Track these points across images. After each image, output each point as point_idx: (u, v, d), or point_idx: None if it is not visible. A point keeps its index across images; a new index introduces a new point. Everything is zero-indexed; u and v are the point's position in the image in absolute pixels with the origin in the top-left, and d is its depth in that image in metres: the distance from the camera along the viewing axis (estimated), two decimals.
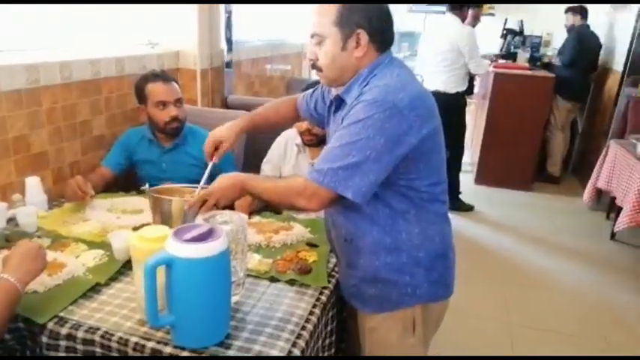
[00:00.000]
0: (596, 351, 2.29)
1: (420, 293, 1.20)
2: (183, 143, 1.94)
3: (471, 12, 3.83)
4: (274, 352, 1.04)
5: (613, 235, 3.49)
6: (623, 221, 2.71)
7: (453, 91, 3.66)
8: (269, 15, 3.72)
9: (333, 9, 1.11)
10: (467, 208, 3.89)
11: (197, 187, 1.31)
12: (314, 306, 1.23)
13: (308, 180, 1.09)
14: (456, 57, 3.59)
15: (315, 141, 1.88)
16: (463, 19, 3.63)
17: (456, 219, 3.74)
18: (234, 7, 2.75)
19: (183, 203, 1.30)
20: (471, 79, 3.88)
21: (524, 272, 3.03)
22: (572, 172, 4.95)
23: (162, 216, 1.36)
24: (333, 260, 1.44)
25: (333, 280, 1.35)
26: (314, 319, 1.18)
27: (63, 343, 1.10)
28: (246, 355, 1.03)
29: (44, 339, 1.11)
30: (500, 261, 3.17)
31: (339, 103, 1.22)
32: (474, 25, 3.94)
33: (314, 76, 1.34)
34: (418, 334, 1.24)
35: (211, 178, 1.64)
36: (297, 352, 1.06)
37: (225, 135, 1.39)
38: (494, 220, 3.81)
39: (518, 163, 4.30)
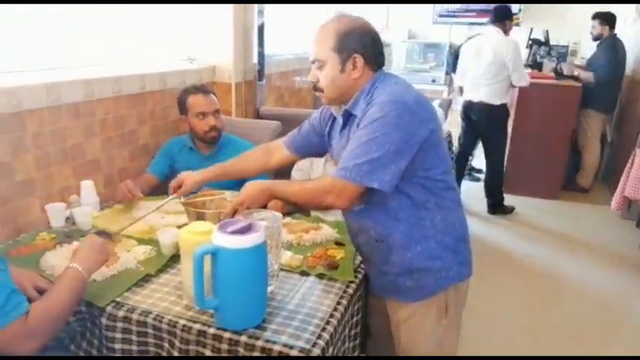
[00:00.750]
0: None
1: (452, 275, 1.33)
2: (221, 151, 2.09)
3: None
4: (306, 336, 1.16)
5: None
6: None
7: (497, 102, 3.76)
8: (298, 28, 3.90)
9: (331, 37, 1.26)
10: (510, 210, 4.03)
11: (225, 193, 1.49)
12: (341, 297, 1.34)
13: (335, 178, 1.22)
14: (500, 69, 3.68)
15: None
16: (505, 31, 3.71)
17: (488, 226, 3.80)
18: (266, 20, 2.92)
19: (218, 215, 1.42)
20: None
21: (550, 278, 3.06)
22: (602, 181, 4.93)
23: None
24: (360, 257, 1.56)
25: (360, 276, 1.47)
26: (341, 308, 1.30)
27: (120, 324, 1.25)
28: (279, 339, 1.15)
29: (104, 320, 1.26)
30: (527, 267, 3.21)
31: (346, 118, 1.35)
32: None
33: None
34: (450, 315, 1.37)
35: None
36: (326, 337, 1.17)
37: (187, 179, 1.60)
38: (521, 228, 3.84)
39: (546, 172, 4.32)
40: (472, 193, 4.38)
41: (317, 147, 1.56)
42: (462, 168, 4.20)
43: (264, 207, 1.40)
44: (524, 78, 3.76)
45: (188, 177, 1.60)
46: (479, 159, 4.79)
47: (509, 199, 4.25)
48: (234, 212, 1.32)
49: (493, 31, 3.72)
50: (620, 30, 4.73)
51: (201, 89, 2.07)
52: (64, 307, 1.09)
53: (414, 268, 1.32)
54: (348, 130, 1.34)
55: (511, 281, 3.02)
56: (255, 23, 2.77)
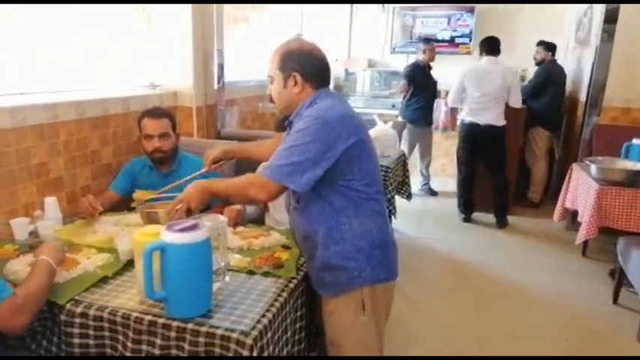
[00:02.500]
0: (557, 352, 2.50)
1: (365, 275, 1.47)
2: (178, 169, 2.24)
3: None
4: (246, 321, 1.30)
5: (584, 252, 3.73)
6: (581, 234, 2.97)
7: (500, 124, 4.16)
8: (261, 57, 4.11)
9: (277, 57, 1.49)
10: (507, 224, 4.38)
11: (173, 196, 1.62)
12: (282, 290, 1.49)
13: (260, 175, 1.42)
14: (504, 93, 4.10)
15: None
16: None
17: (445, 240, 4.01)
18: (228, 50, 3.13)
19: (166, 214, 1.54)
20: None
21: (499, 286, 3.26)
22: (552, 196, 5.22)
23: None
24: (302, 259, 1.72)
25: (302, 273, 1.62)
26: (281, 299, 1.45)
27: (77, 320, 1.37)
28: (222, 324, 1.29)
29: (62, 317, 1.38)
30: (477, 276, 3.41)
31: (290, 124, 1.54)
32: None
33: None
34: (368, 313, 1.50)
35: None
36: (265, 322, 1.32)
37: (212, 151, 1.85)
38: (476, 241, 4.07)
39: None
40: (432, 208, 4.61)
41: None
42: (468, 193, 4.43)
43: (207, 207, 1.56)
44: (519, 101, 4.21)
45: (213, 149, 1.84)
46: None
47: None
48: (176, 210, 1.45)
49: (493, 60, 4.16)
50: (562, 57, 5.13)
51: (152, 113, 2.23)
52: (42, 289, 1.31)
53: (332, 265, 1.48)
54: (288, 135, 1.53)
55: (458, 288, 3.21)
56: (214, 50, 2.96)
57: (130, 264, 1.62)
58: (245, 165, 2.44)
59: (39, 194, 1.95)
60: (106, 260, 1.65)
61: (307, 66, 1.48)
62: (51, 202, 1.92)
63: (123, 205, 2.23)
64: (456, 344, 2.55)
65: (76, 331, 1.38)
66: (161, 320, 1.31)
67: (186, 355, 1.29)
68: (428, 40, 5.13)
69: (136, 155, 2.45)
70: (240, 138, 2.74)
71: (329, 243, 1.47)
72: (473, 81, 4.16)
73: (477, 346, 2.53)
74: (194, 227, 1.29)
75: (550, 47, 4.75)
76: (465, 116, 4.28)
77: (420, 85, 4.87)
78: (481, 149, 4.28)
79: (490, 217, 4.45)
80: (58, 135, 2.04)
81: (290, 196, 1.55)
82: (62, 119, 2.04)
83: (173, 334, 1.30)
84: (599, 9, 4.19)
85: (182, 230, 1.26)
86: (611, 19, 3.92)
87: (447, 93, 4.88)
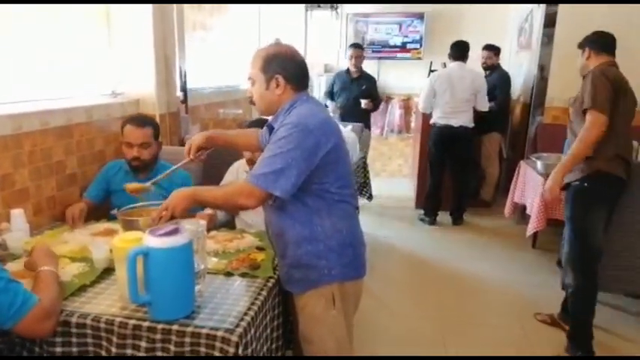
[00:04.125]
0: (514, 337, 2.68)
1: (334, 273, 1.54)
2: (155, 177, 2.22)
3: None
4: (230, 319, 1.36)
5: (534, 244, 3.98)
6: (531, 227, 3.18)
7: (471, 126, 4.36)
8: (221, 64, 4.14)
9: (259, 60, 1.53)
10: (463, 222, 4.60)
11: (157, 204, 1.64)
12: (261, 289, 1.56)
13: (247, 183, 1.46)
14: (473, 96, 4.31)
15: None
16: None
17: (410, 238, 4.16)
18: (189, 57, 3.14)
19: (149, 220, 1.57)
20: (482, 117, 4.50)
21: (457, 279, 3.44)
22: (502, 194, 5.50)
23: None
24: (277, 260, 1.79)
25: (277, 272, 1.69)
26: (261, 298, 1.51)
27: (59, 329, 1.38)
28: (207, 324, 1.34)
29: None
30: (437, 271, 3.58)
31: (270, 129, 1.60)
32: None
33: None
34: (338, 307, 1.57)
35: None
36: (248, 319, 1.38)
37: (195, 138, 1.79)
38: (431, 239, 4.25)
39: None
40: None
41: None
42: (438, 196, 4.54)
43: (190, 213, 1.58)
44: (486, 105, 4.42)
45: (195, 137, 1.77)
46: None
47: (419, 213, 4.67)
48: (161, 217, 1.48)
49: (462, 65, 4.35)
50: (506, 60, 5.43)
51: (135, 121, 2.23)
52: (60, 295, 1.39)
53: (302, 263, 1.54)
54: (268, 140, 1.56)
55: (421, 283, 3.36)
56: (176, 57, 2.97)
57: (105, 272, 1.63)
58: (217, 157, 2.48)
59: (4, 206, 1.92)
60: (82, 269, 1.65)
61: (289, 68, 1.53)
62: (17, 213, 1.90)
63: (98, 212, 2.23)
64: (421, 335, 2.69)
65: (58, 339, 1.38)
66: (146, 324, 1.34)
67: (172, 355, 1.33)
68: (358, 46, 4.95)
69: (101, 164, 2.44)
70: None
71: (301, 242, 1.53)
72: (445, 86, 4.29)
73: (440, 336, 2.67)
74: (176, 231, 1.33)
75: (498, 50, 5.01)
76: (437, 120, 4.39)
77: (340, 91, 4.89)
78: (450, 151, 4.41)
79: (443, 216, 4.63)
80: (22, 146, 2.01)
81: None
82: (26, 130, 2.01)
83: (159, 336, 1.33)
84: (540, 13, 4.48)
85: (165, 235, 1.31)
86: (550, 23, 4.20)
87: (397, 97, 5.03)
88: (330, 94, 5.02)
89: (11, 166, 1.96)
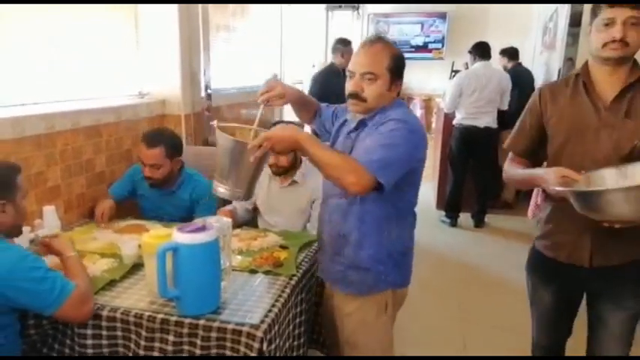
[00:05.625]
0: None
1: (390, 280, 1.55)
2: (179, 189, 2.26)
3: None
4: (255, 316, 1.39)
5: None
6: None
7: (495, 127, 4.32)
8: (244, 65, 4.19)
9: (388, 57, 1.45)
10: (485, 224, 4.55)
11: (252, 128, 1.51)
12: (285, 287, 1.58)
13: (362, 165, 1.34)
14: (497, 97, 4.25)
15: (282, 171, 2.22)
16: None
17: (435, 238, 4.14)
18: (213, 58, 3.20)
19: (248, 132, 1.50)
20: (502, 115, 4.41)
21: (479, 281, 3.42)
22: (524, 196, 5.43)
23: (228, 154, 1.44)
24: (302, 256, 1.81)
25: (301, 270, 1.71)
26: (285, 295, 1.54)
27: (90, 321, 1.43)
28: (232, 319, 1.37)
29: None
30: (459, 272, 3.56)
31: (358, 125, 1.52)
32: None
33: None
34: (389, 314, 1.59)
35: (187, 209, 2.18)
36: (272, 316, 1.40)
37: (276, 85, 1.56)
38: (453, 240, 4.23)
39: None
40: None
41: (325, 129, 1.74)
42: (460, 196, 4.49)
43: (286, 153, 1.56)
44: (507, 103, 4.37)
45: (276, 84, 1.57)
46: None
47: (442, 214, 4.65)
48: (260, 145, 1.36)
49: (487, 65, 4.28)
50: (530, 60, 5.37)
51: (147, 140, 2.15)
52: (90, 279, 1.48)
53: (362, 266, 1.53)
54: (355, 135, 1.51)
55: (447, 285, 3.35)
56: (201, 58, 3.03)
57: (134, 268, 1.68)
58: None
59: (37, 203, 1.98)
60: (111, 265, 1.70)
61: (403, 74, 1.52)
62: (49, 210, 1.96)
63: (120, 210, 2.28)
64: (441, 335, 2.68)
65: (89, 332, 1.43)
66: (173, 318, 1.38)
67: (198, 350, 1.37)
68: (346, 42, 4.39)
69: (128, 163, 2.50)
70: None
71: (364, 244, 1.52)
72: (473, 86, 4.25)
73: (461, 337, 2.66)
74: (204, 228, 1.37)
75: (512, 54, 4.96)
76: (461, 120, 4.36)
77: (334, 91, 4.20)
78: (473, 152, 4.38)
79: (464, 218, 4.60)
80: (55, 144, 2.08)
81: (335, 190, 1.52)
82: (58, 129, 2.08)
83: (186, 330, 1.37)
84: (564, 13, 4.42)
85: (193, 231, 1.34)
86: (575, 23, 4.14)
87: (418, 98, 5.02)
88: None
89: (44, 164, 2.03)
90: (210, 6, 3.22)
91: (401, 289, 1.62)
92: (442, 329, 2.76)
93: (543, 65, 5.26)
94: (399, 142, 1.38)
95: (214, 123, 1.54)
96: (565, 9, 4.40)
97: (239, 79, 4.10)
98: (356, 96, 1.47)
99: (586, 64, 1.54)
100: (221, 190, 1.45)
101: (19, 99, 2.01)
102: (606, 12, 1.40)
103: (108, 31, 2.55)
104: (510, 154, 1.71)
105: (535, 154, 1.63)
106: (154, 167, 2.15)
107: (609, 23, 1.39)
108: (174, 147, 2.20)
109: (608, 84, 1.47)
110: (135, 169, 2.35)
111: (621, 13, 1.36)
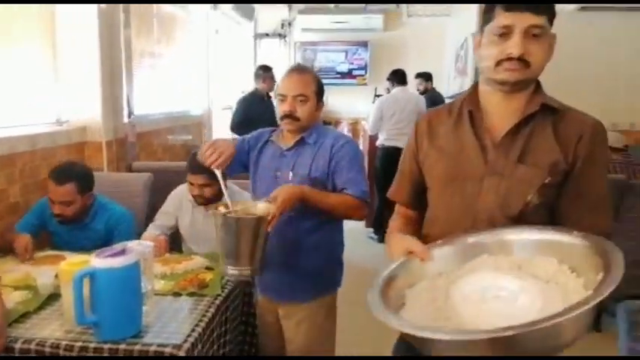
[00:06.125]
0: None
1: (336, 281, 1.76)
2: (92, 221, 2.17)
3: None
4: (178, 336, 1.40)
5: None
6: None
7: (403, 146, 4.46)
8: (170, 91, 4.18)
9: (314, 82, 1.70)
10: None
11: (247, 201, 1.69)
12: (209, 306, 1.60)
13: (359, 198, 1.63)
14: (416, 118, 4.40)
15: (207, 201, 2.14)
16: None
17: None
18: (137, 84, 3.18)
19: (253, 221, 1.46)
20: None
21: None
22: None
23: (242, 234, 1.43)
24: (226, 277, 1.84)
25: (226, 290, 1.74)
26: (209, 315, 1.56)
27: (3, 354, 1.37)
28: (154, 341, 1.37)
29: None
30: None
31: (297, 143, 1.70)
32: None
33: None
34: (334, 315, 1.79)
35: (104, 240, 2.04)
36: (195, 335, 1.42)
37: (225, 145, 1.60)
38: (380, 255, 4.37)
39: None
40: None
41: (241, 163, 1.81)
42: (387, 217, 4.59)
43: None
44: None
45: (224, 142, 1.62)
46: None
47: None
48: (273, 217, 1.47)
49: (405, 89, 4.66)
50: (445, 85, 5.77)
51: (55, 177, 2.05)
52: (3, 316, 1.38)
53: (315, 271, 1.70)
54: (294, 152, 1.69)
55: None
56: (123, 84, 3.01)
57: (51, 298, 1.63)
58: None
59: None
60: (25, 297, 1.64)
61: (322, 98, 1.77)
62: None
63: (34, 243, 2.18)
64: (365, 346, 2.77)
65: None
66: (92, 345, 1.36)
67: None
68: (267, 68, 4.58)
69: (45, 193, 2.41)
70: (153, 170, 2.80)
71: (320, 251, 1.69)
72: (392, 109, 4.54)
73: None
74: (123, 252, 1.37)
75: (428, 78, 5.39)
76: (383, 141, 4.61)
77: (257, 116, 4.24)
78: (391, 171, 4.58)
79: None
80: None
81: None
82: None
83: (106, 355, 1.35)
84: (471, 42, 4.83)
85: (111, 256, 1.34)
86: None
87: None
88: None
89: None
90: (134, 32, 3.23)
91: (337, 290, 1.80)
92: (366, 341, 2.85)
93: (458, 90, 5.67)
94: (361, 161, 1.73)
95: (218, 211, 1.47)
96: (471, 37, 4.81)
97: (166, 105, 4.08)
98: (290, 115, 1.66)
99: (475, 87, 1.20)
100: (235, 272, 1.50)
101: None
102: (501, 17, 1.05)
103: (24, 58, 2.48)
104: (397, 205, 1.44)
105: (421, 205, 1.31)
106: (64, 204, 2.05)
107: (505, 33, 1.05)
108: (85, 182, 2.12)
109: (501, 115, 1.13)
110: (42, 204, 2.19)
111: (521, 20, 1.03)
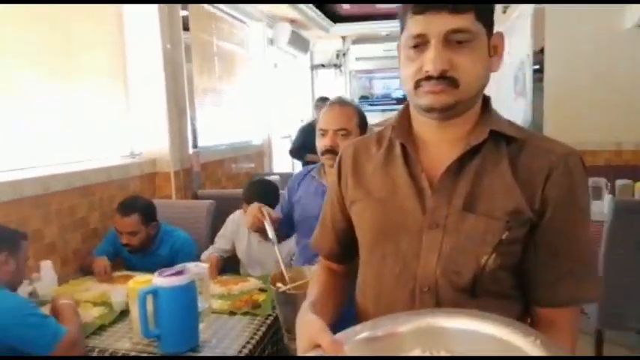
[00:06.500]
0: None
1: None
2: (158, 248, 2.38)
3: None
4: (231, 352, 1.52)
5: None
6: None
7: None
8: (233, 122, 4.46)
9: (356, 115, 1.67)
10: None
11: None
12: (261, 325, 1.72)
13: None
14: None
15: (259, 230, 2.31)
16: None
17: None
18: (201, 118, 3.45)
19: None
20: None
21: None
22: None
23: (293, 310, 1.18)
24: None
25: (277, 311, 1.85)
26: (260, 333, 1.67)
27: None
28: (214, 352, 1.51)
29: None
30: None
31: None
32: None
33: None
34: None
35: (169, 264, 2.02)
36: (246, 352, 1.54)
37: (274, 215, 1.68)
38: None
39: None
40: None
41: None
42: None
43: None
44: None
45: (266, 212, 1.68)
46: None
47: None
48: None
49: None
50: (507, 107, 5.67)
51: (121, 209, 2.27)
52: (81, 324, 1.63)
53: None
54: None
55: None
56: (188, 118, 3.28)
57: (123, 314, 1.82)
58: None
59: (35, 258, 2.14)
60: (102, 312, 1.84)
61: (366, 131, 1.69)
62: (46, 265, 2.11)
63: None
64: None
65: None
66: (157, 356, 1.52)
67: None
68: (325, 99, 4.53)
69: None
70: (216, 198, 3.01)
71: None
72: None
73: None
74: (181, 272, 1.53)
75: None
76: None
77: (314, 144, 4.45)
78: None
79: None
80: (51, 204, 2.27)
81: None
82: (53, 190, 2.28)
83: None
84: (529, 63, 4.75)
85: (171, 275, 1.50)
86: (540, 70, 4.46)
87: None
88: None
89: (41, 223, 2.21)
90: (197, 70, 3.52)
91: None
92: None
93: (521, 112, 5.55)
94: None
95: (276, 288, 1.33)
96: (530, 59, 4.73)
97: (228, 136, 4.36)
98: (332, 151, 1.62)
99: (406, 109, 0.93)
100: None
101: (17, 163, 2.22)
102: (412, 23, 0.80)
103: (100, 97, 2.80)
104: (319, 257, 1.15)
105: (352, 258, 1.03)
106: (130, 234, 2.27)
107: (419, 44, 0.80)
108: (148, 213, 2.33)
109: (439, 147, 0.87)
110: (113, 233, 2.40)
111: (436, 25, 0.77)
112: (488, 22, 0.82)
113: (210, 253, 2.41)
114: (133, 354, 1.54)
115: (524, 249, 0.84)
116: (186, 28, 3.26)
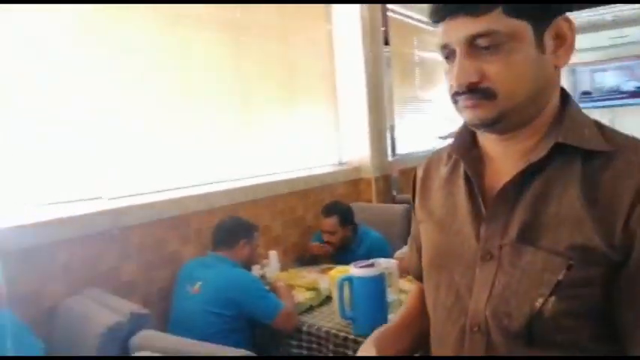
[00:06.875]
0: None
1: None
2: (358, 247, 2.72)
3: None
4: None
5: None
6: None
7: None
8: (430, 128, 4.60)
9: None
10: None
11: None
12: None
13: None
14: None
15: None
16: None
17: None
18: (399, 125, 3.71)
19: None
20: None
21: None
22: None
23: None
24: None
25: None
26: None
27: (295, 334, 1.94)
28: None
29: None
30: None
31: None
32: None
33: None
34: None
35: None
36: None
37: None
38: None
39: None
40: None
41: None
42: None
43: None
44: None
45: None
46: None
47: None
48: None
49: None
50: None
51: (325, 210, 2.72)
52: (295, 303, 2.02)
53: None
54: None
55: None
56: (387, 127, 3.56)
57: (328, 299, 2.17)
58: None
59: (265, 248, 2.67)
60: (311, 295, 2.22)
61: None
62: (273, 254, 2.63)
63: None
64: None
65: (294, 342, 1.96)
66: (351, 337, 1.79)
67: None
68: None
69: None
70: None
71: None
72: None
73: None
74: (372, 265, 1.77)
75: None
76: None
77: None
78: None
79: None
80: (277, 204, 2.80)
81: None
82: (279, 192, 2.82)
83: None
84: None
85: (364, 267, 1.76)
86: None
87: None
88: None
89: (270, 219, 2.76)
90: (396, 82, 3.79)
91: None
92: None
93: None
94: None
95: None
96: None
97: (427, 142, 4.51)
98: None
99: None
100: None
101: (251, 172, 2.80)
102: (440, 32, 0.71)
103: (314, 114, 3.29)
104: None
105: None
106: (330, 233, 2.67)
107: (448, 54, 0.72)
108: (346, 216, 2.70)
109: (505, 163, 0.75)
110: (318, 233, 2.82)
111: (456, 31, 0.68)
112: (530, 14, 0.65)
113: (403, 252, 2.62)
114: (333, 331, 1.84)
115: (605, 293, 0.64)
116: (386, 42, 3.56)
